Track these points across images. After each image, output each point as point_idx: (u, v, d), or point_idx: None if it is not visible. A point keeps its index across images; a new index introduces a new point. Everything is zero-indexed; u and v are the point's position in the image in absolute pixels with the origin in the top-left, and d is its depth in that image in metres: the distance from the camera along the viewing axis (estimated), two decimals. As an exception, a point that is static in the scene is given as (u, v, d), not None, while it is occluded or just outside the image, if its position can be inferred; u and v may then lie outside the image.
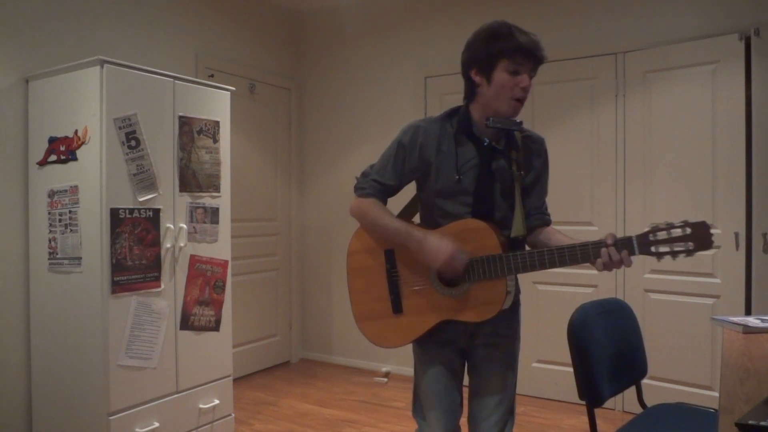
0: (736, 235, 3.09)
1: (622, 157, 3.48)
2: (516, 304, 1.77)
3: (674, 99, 3.29)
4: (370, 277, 1.75)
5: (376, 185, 1.73)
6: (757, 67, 3.04)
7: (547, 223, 1.78)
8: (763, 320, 1.96)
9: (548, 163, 1.78)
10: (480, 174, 1.64)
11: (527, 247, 1.75)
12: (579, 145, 3.61)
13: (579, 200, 3.60)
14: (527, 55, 1.56)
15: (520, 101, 1.60)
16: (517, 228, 1.65)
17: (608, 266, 1.48)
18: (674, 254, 1.42)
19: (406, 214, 1.82)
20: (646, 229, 1.45)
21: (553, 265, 1.54)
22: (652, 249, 1.44)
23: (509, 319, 1.75)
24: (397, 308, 1.72)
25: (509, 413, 1.77)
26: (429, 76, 4.14)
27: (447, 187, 1.66)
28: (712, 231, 3.38)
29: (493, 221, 1.64)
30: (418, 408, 1.80)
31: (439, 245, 1.58)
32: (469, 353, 1.77)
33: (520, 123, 1.64)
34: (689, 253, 1.41)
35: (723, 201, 3.14)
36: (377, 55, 4.41)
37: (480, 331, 1.71)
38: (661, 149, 3.34)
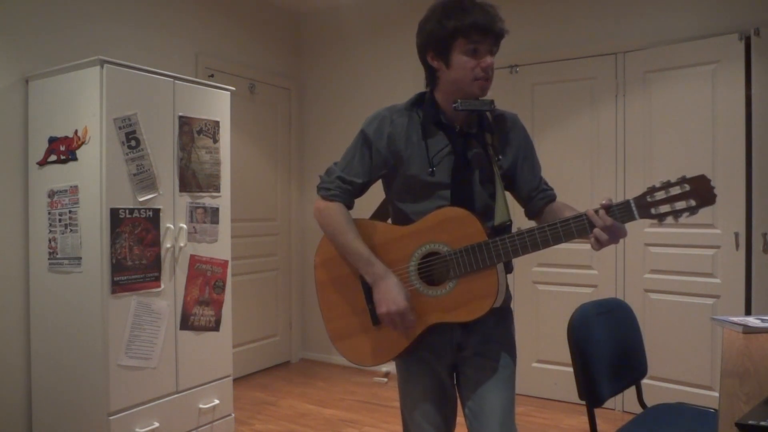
0: (736, 235, 3.10)
1: (622, 157, 3.48)
2: (507, 311, 1.62)
3: (674, 99, 3.29)
4: (343, 289, 1.58)
5: (342, 185, 1.57)
6: (757, 67, 3.04)
7: (553, 198, 1.60)
8: (763, 320, 1.96)
9: (529, 137, 1.63)
10: (455, 164, 1.50)
11: None
12: (579, 145, 3.61)
13: (579, 200, 3.57)
14: (485, 32, 1.41)
15: (486, 80, 1.46)
16: (501, 215, 1.49)
17: (603, 237, 1.31)
18: (676, 214, 1.29)
19: (379, 215, 1.69)
20: (643, 191, 1.33)
21: (547, 244, 1.37)
22: (652, 211, 1.31)
23: (500, 325, 1.59)
24: (376, 319, 1.53)
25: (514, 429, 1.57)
26: (429, 76, 4.14)
27: (420, 182, 1.51)
28: (713, 231, 3.35)
29: (474, 213, 1.47)
30: (409, 421, 1.61)
31: (393, 296, 1.45)
32: (461, 369, 1.58)
33: (492, 102, 1.49)
34: (692, 210, 1.28)
35: (723, 201, 3.14)
36: (377, 54, 4.41)
37: (469, 342, 1.55)
38: (661, 149, 3.34)
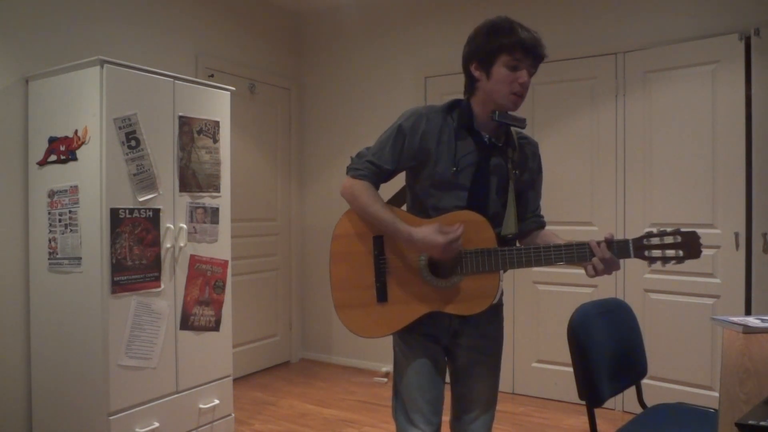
0: (736, 235, 3.09)
1: (622, 157, 3.48)
2: (499, 307, 1.76)
3: (674, 99, 3.29)
4: (355, 263, 1.69)
5: (371, 167, 1.68)
6: (757, 67, 3.04)
7: (543, 225, 1.78)
8: (763, 320, 1.96)
9: (542, 167, 1.79)
10: (477, 169, 1.63)
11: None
12: (579, 145, 3.61)
13: (579, 200, 3.60)
14: (527, 52, 1.55)
15: (520, 96, 1.59)
16: (509, 226, 1.63)
17: (599, 267, 1.49)
18: (665, 260, 1.48)
19: (394, 203, 1.79)
20: (641, 234, 1.50)
21: (549, 263, 1.55)
22: (646, 253, 1.48)
23: (493, 321, 1.74)
24: (382, 297, 1.66)
25: (493, 416, 1.77)
26: (429, 76, 4.14)
27: (443, 180, 1.63)
28: (713, 231, 3.35)
29: (485, 218, 1.61)
30: (400, 405, 1.72)
31: (430, 237, 1.55)
32: (453, 355, 1.73)
33: (525, 120, 1.63)
34: (679, 260, 1.47)
35: (723, 201, 3.14)
36: (377, 55, 4.41)
37: (464, 331, 1.69)
38: (661, 149, 3.34)
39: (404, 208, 1.78)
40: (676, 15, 3.34)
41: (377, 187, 1.71)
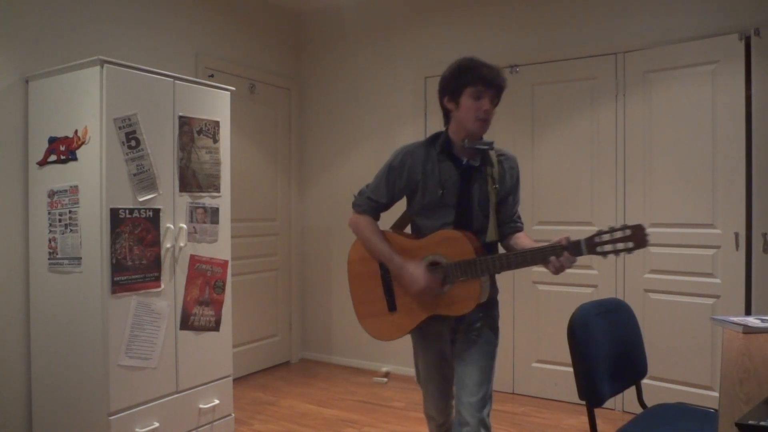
0: (736, 235, 3.10)
1: (622, 157, 3.48)
2: (494, 302, 2.04)
3: (674, 99, 3.29)
4: (368, 282, 2.06)
5: (371, 203, 2.03)
6: (757, 67, 3.04)
7: (519, 230, 2.06)
8: (763, 320, 1.96)
9: (520, 178, 2.06)
10: (460, 189, 1.93)
11: (501, 250, 2.04)
12: (579, 145, 3.61)
13: (579, 200, 3.60)
14: (488, 84, 1.84)
15: (484, 121, 1.87)
16: (491, 234, 1.95)
17: (557, 267, 1.72)
18: (617, 252, 1.66)
19: (399, 224, 2.12)
20: (593, 233, 1.70)
21: (516, 266, 1.81)
22: (598, 249, 1.68)
23: (486, 315, 2.00)
24: (392, 307, 2.02)
25: (488, 397, 1.95)
26: (429, 76, 4.14)
27: (432, 202, 1.94)
28: (713, 231, 3.36)
29: (471, 229, 1.92)
30: (420, 376, 2.13)
31: (416, 277, 1.88)
32: (454, 345, 2.02)
33: (492, 143, 1.93)
34: (629, 251, 1.66)
35: (723, 201, 3.14)
36: (377, 55, 4.41)
37: (460, 325, 1.99)
38: (661, 149, 3.34)
39: (408, 229, 2.12)
40: (676, 15, 3.34)
41: (377, 218, 2.06)
